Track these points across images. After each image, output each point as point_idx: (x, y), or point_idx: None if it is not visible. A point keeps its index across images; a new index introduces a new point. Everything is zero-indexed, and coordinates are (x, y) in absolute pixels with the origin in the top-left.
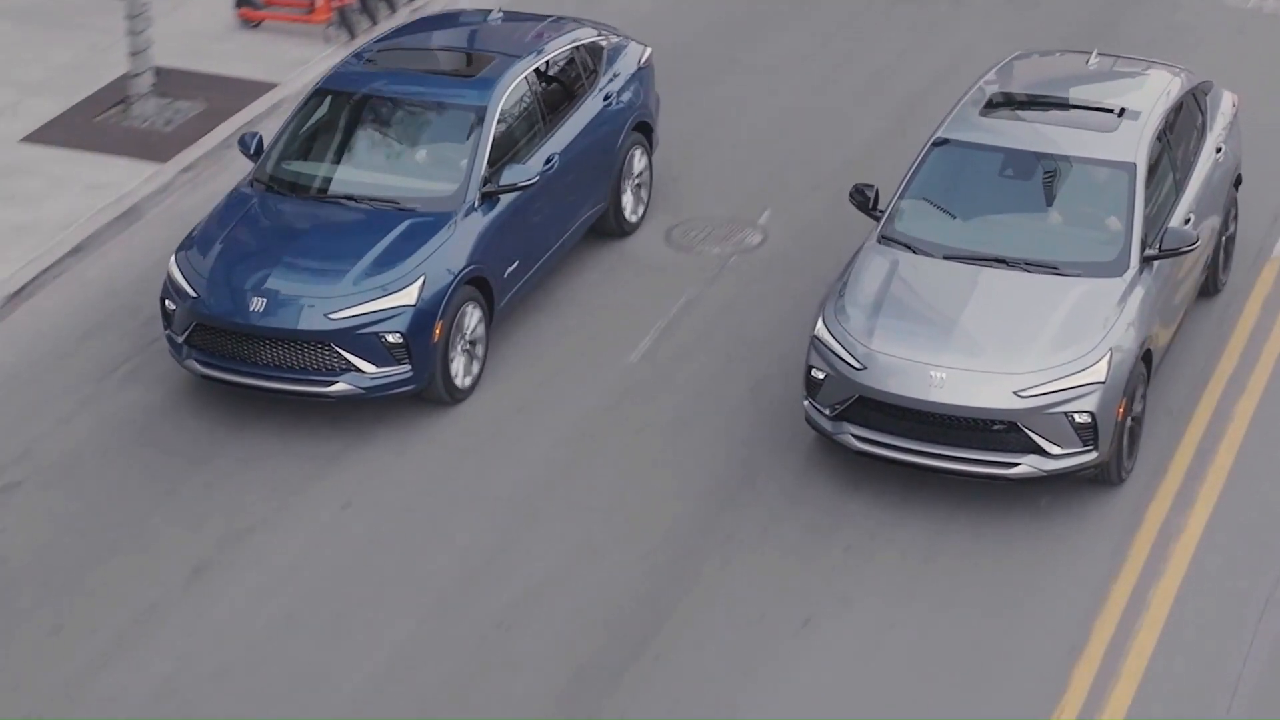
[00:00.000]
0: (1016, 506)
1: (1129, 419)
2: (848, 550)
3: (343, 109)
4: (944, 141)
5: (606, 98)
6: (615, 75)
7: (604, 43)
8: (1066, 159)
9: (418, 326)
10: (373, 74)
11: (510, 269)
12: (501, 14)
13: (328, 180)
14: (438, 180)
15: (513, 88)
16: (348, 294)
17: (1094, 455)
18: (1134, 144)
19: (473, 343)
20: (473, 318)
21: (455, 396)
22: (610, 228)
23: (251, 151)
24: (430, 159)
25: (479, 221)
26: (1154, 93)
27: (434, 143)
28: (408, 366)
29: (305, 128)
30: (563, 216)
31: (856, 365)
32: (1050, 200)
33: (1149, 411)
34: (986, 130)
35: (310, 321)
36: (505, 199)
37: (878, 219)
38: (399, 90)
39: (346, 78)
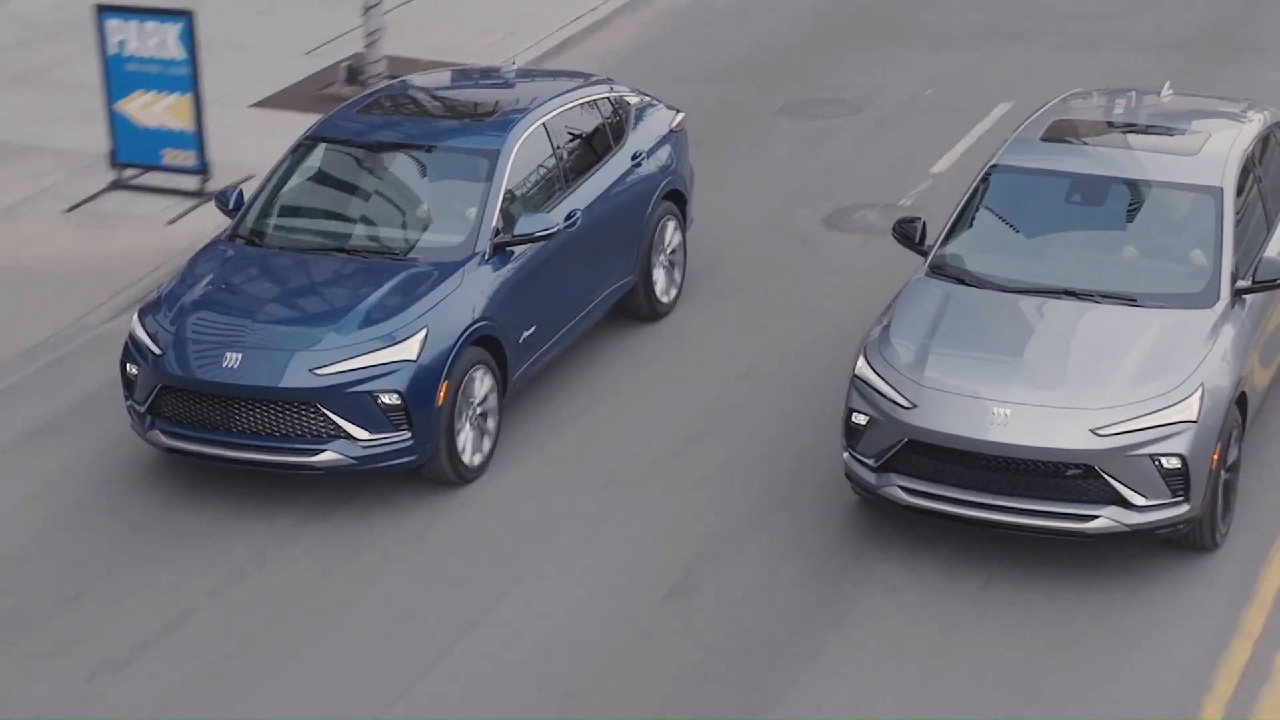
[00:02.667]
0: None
1: (1223, 470)
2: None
3: (337, 157)
4: (1001, 168)
5: (634, 157)
6: (644, 135)
7: (631, 99)
8: (1145, 184)
9: (419, 386)
10: (371, 120)
11: (526, 334)
12: (515, 68)
13: (319, 231)
14: (444, 230)
15: (530, 133)
16: (337, 346)
17: (1185, 509)
18: (1220, 167)
19: (484, 414)
20: (483, 385)
21: (462, 475)
22: (640, 308)
23: (231, 206)
24: (436, 208)
25: (490, 275)
26: (1237, 122)
27: (441, 191)
28: (407, 433)
29: (294, 177)
30: (586, 284)
31: (905, 404)
32: (1126, 229)
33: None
34: (1049, 155)
35: (293, 378)
36: (521, 254)
37: (925, 254)
38: (402, 135)
39: (341, 124)
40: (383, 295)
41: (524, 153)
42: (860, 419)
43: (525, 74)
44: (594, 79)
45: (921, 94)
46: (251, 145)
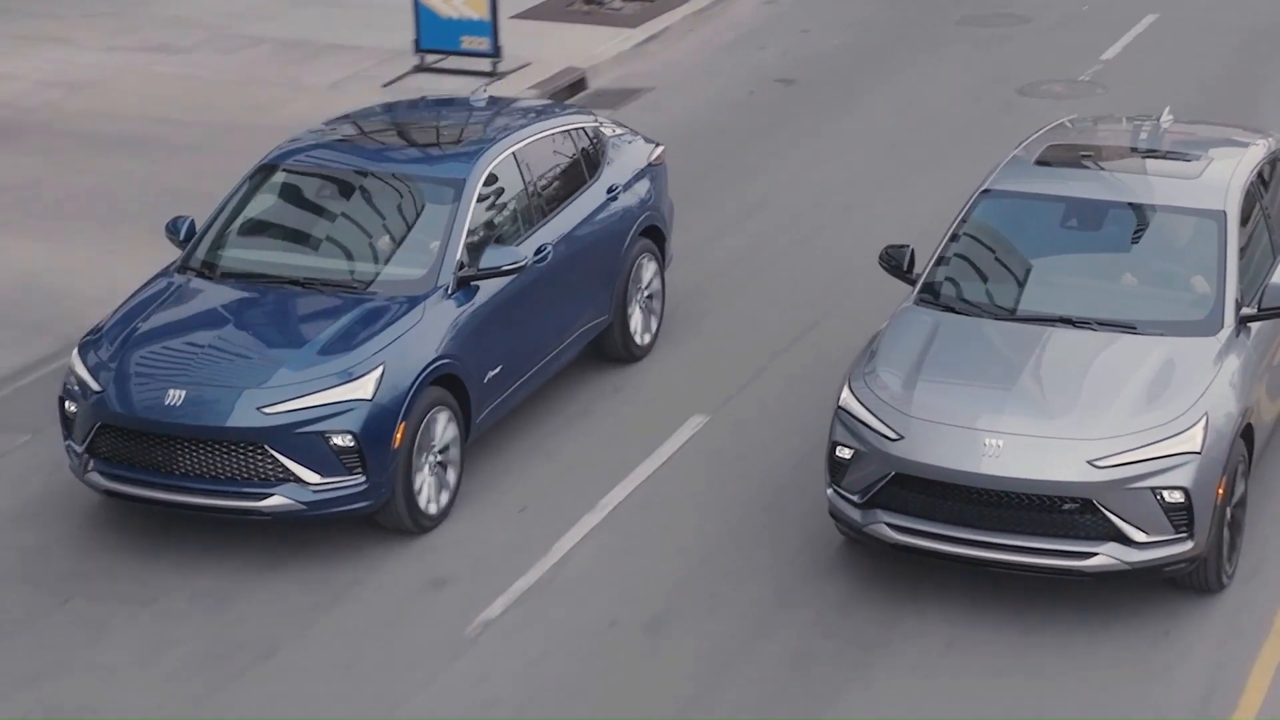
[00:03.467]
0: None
1: (1229, 506)
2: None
3: (296, 185)
4: (993, 192)
5: (610, 190)
6: (620, 168)
7: (607, 130)
8: (1144, 208)
9: (374, 427)
10: (332, 147)
11: (492, 374)
12: (486, 95)
13: (273, 263)
14: (406, 263)
15: (498, 163)
16: (288, 383)
17: (1189, 545)
18: (1222, 191)
19: (444, 461)
20: (444, 427)
21: (420, 523)
22: (616, 349)
23: (181, 237)
24: (398, 239)
25: (453, 311)
26: (1241, 146)
27: (403, 222)
28: (361, 478)
29: (249, 206)
30: (557, 323)
31: (892, 435)
32: (1125, 255)
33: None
34: (1044, 179)
35: (239, 416)
36: (487, 289)
37: (913, 282)
38: (363, 163)
39: (301, 151)
40: (337, 330)
41: (492, 183)
42: (845, 453)
43: (497, 102)
44: (570, 109)
45: (1078, 10)
46: (518, 45)
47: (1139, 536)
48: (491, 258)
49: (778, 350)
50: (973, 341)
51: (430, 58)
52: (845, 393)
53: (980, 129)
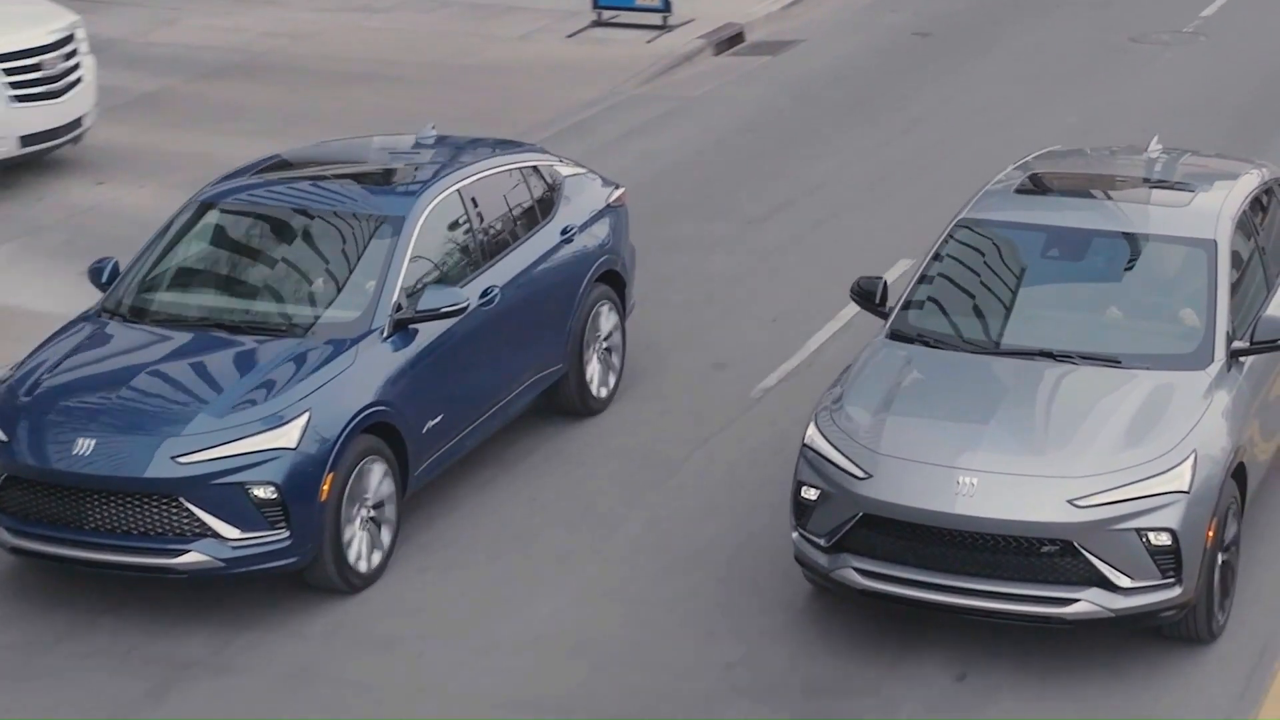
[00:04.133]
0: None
1: (1220, 551)
2: None
3: (227, 223)
4: (970, 221)
5: (564, 232)
6: (575, 209)
7: (563, 170)
8: (1130, 237)
9: (299, 478)
10: (267, 184)
11: (432, 423)
12: (435, 133)
13: (199, 305)
14: (339, 304)
15: (441, 200)
16: (205, 431)
17: (1177, 591)
18: (1213, 219)
19: (377, 516)
20: (378, 479)
21: (350, 581)
22: (571, 401)
23: (104, 280)
24: (332, 280)
25: (389, 355)
26: (1233, 175)
27: (339, 261)
28: (285, 533)
29: (176, 246)
30: (505, 371)
31: (860, 474)
32: (1109, 286)
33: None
34: (1024, 208)
35: (152, 467)
36: (427, 333)
37: (886, 315)
38: (298, 200)
39: (233, 188)
40: (262, 375)
41: (435, 221)
42: (810, 493)
43: (446, 139)
44: (524, 147)
45: None
46: (683, 2)
47: (1123, 582)
48: (430, 299)
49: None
50: (947, 376)
51: (607, 14)
52: (811, 429)
53: (1099, 66)
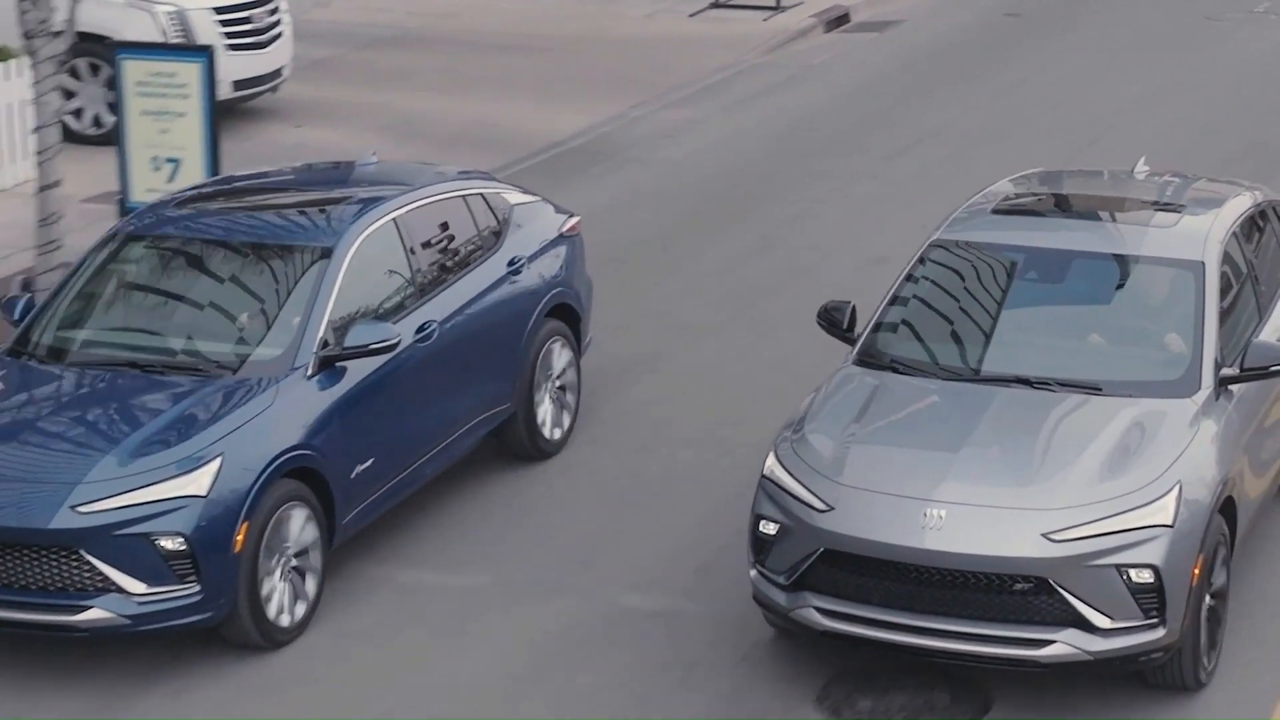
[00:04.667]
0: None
1: (1207, 591)
2: None
3: (147, 257)
4: (944, 242)
5: (511, 264)
6: (525, 239)
7: (510, 197)
8: (1113, 258)
9: (210, 528)
10: (192, 215)
11: (361, 468)
12: (375, 159)
13: (114, 344)
14: (261, 341)
15: (374, 230)
16: (108, 478)
17: (1161, 633)
18: (1201, 240)
19: (301, 566)
20: (300, 527)
21: (270, 637)
22: (521, 444)
23: (16, 316)
24: (255, 315)
25: (314, 395)
26: (1222, 197)
27: (262, 295)
28: (195, 586)
29: (94, 281)
30: (446, 412)
31: (821, 506)
32: (1091, 310)
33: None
34: (1001, 228)
35: (50, 517)
36: (357, 371)
37: (853, 342)
38: (223, 232)
39: (154, 219)
40: (173, 417)
41: (367, 252)
42: (769, 527)
43: (387, 166)
44: (469, 174)
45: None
46: None
47: (1102, 622)
48: (359, 335)
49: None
50: (916, 403)
51: None
52: (770, 459)
53: (1178, 41)
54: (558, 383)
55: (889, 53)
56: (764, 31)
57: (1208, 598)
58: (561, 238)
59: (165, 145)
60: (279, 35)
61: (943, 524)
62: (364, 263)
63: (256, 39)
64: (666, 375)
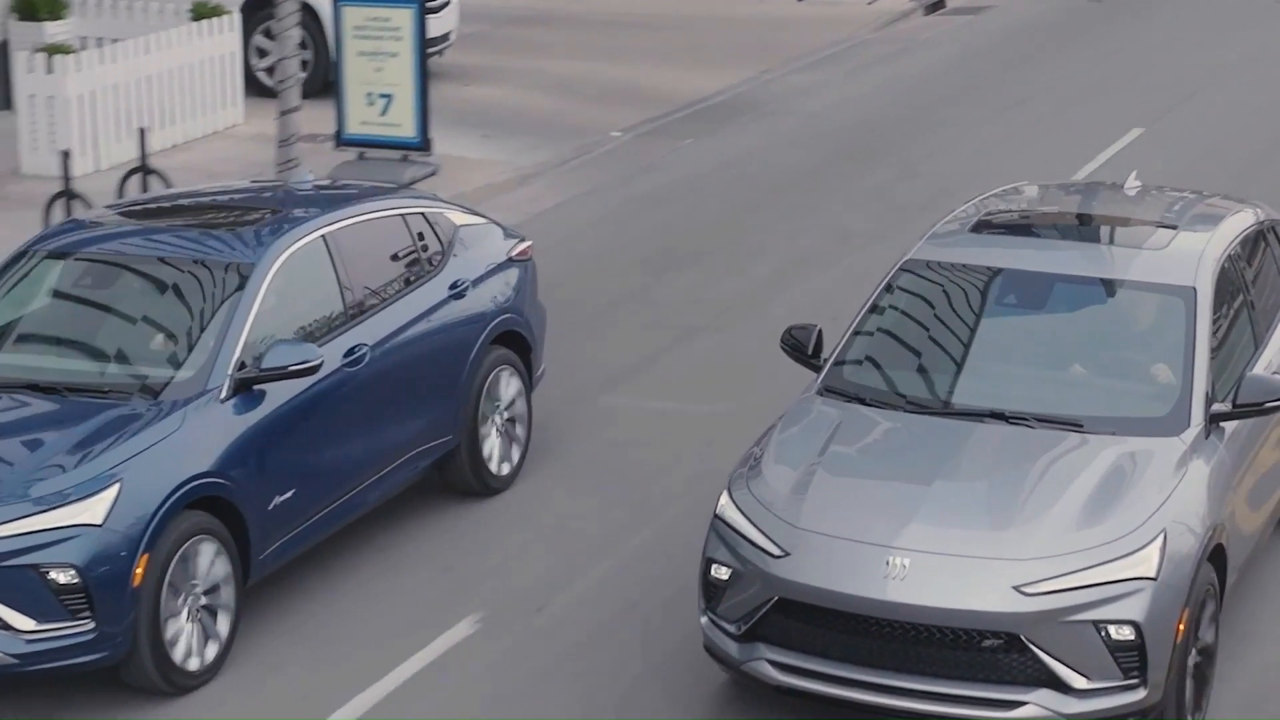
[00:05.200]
0: None
1: (1194, 648)
2: None
3: (60, 274)
4: (916, 263)
5: (454, 287)
6: (469, 262)
7: (455, 218)
8: (1098, 282)
9: (105, 560)
10: (107, 230)
11: (281, 499)
12: (311, 180)
13: (15, 365)
14: (172, 362)
15: (301, 247)
16: None
17: (1141, 695)
18: (1193, 264)
19: (211, 605)
20: (210, 562)
21: (175, 683)
22: (464, 479)
23: None
24: (167, 334)
25: (229, 420)
26: (1218, 215)
27: (176, 314)
28: (88, 623)
29: (2, 299)
30: (378, 442)
31: (775, 551)
32: (1073, 338)
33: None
34: (978, 249)
35: None
36: (278, 396)
37: (818, 368)
38: (139, 248)
39: (65, 235)
40: (69, 442)
41: (293, 270)
42: (721, 572)
43: (327, 185)
44: (413, 193)
45: None
46: None
47: (1078, 682)
48: (277, 356)
49: None
50: (881, 439)
51: None
52: (724, 499)
53: (1250, 22)
54: (506, 415)
55: (987, 31)
56: (868, 14)
57: (1193, 655)
58: (511, 261)
59: (379, 82)
60: (448, 2)
61: (906, 573)
62: (289, 281)
63: (431, 4)
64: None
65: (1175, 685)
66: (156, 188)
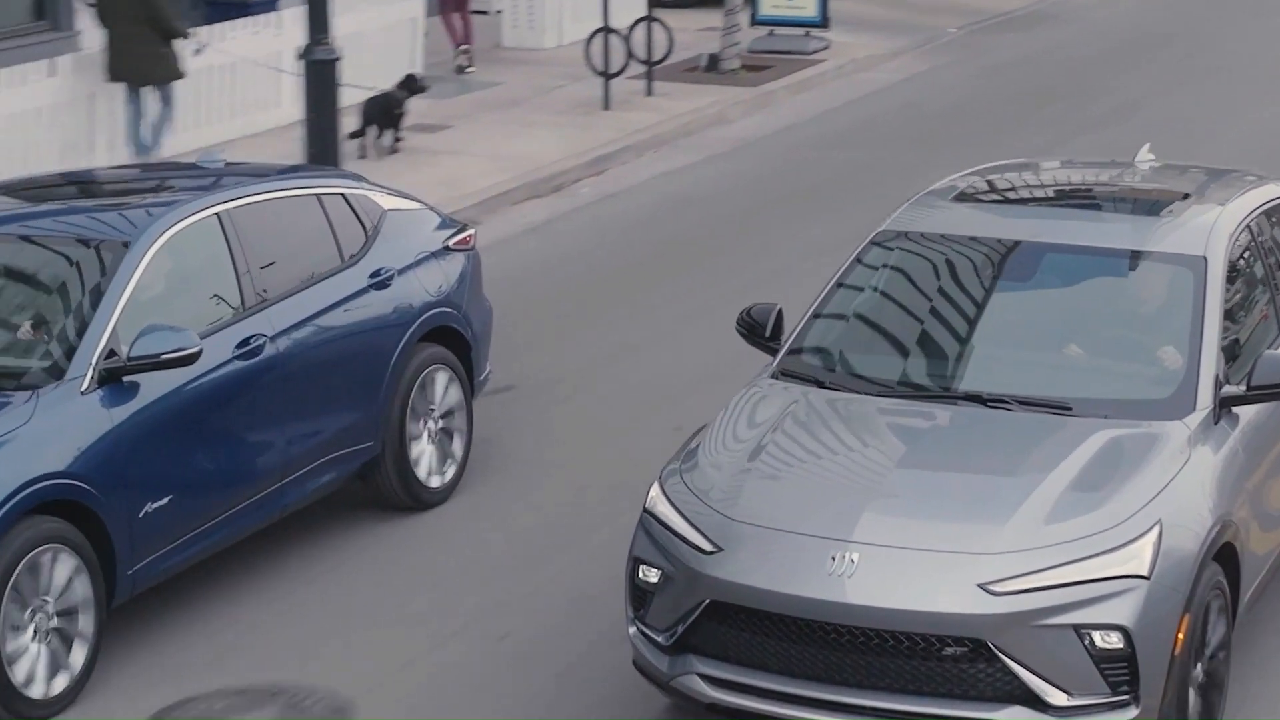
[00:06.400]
0: None
1: (1198, 660)
2: None
3: None
4: (892, 235)
5: (375, 275)
6: (397, 249)
7: (383, 202)
8: (1096, 252)
9: None
10: None
11: (154, 506)
12: (222, 160)
13: None
14: (28, 349)
15: (187, 226)
16: None
17: (1132, 714)
18: (1204, 232)
19: (64, 628)
20: (65, 577)
21: (18, 710)
22: (391, 491)
23: None
24: (34, 320)
25: (92, 414)
26: (1238, 187)
27: (43, 298)
28: None
29: None
30: (281, 445)
31: (707, 548)
32: (1065, 314)
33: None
34: (961, 217)
35: None
36: (153, 389)
37: (775, 351)
38: (7, 227)
39: None
40: None
41: (180, 251)
42: (649, 574)
43: (236, 166)
44: (333, 172)
45: None
46: None
47: (1057, 698)
48: (148, 343)
49: None
50: (837, 425)
51: None
52: (654, 491)
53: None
54: (440, 422)
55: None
56: None
57: (1199, 668)
58: (448, 250)
59: None
60: None
61: (853, 569)
62: (173, 263)
63: None
64: None
65: (1175, 703)
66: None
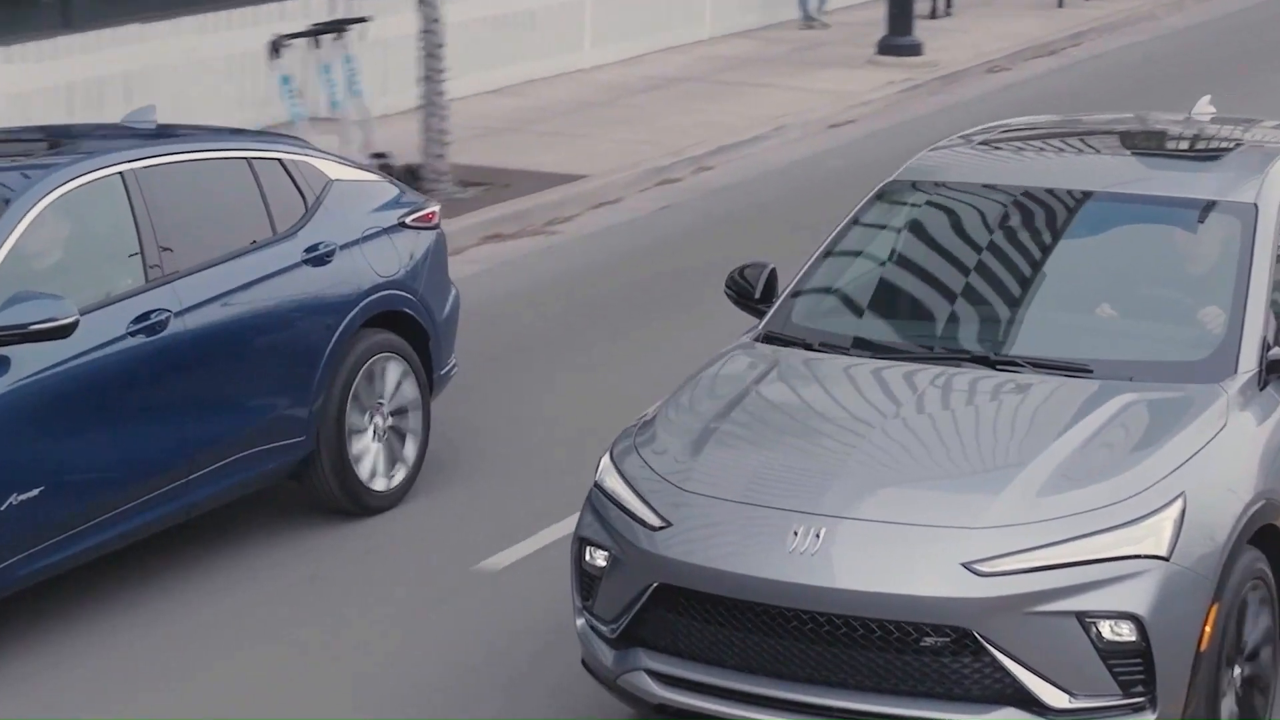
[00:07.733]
0: None
1: (1234, 659)
2: None
3: None
4: (901, 186)
5: (312, 250)
6: (341, 224)
7: (329, 170)
8: (1129, 199)
9: None
10: None
11: (22, 499)
12: (155, 119)
13: None
14: None
15: (82, 185)
16: None
17: (1149, 719)
18: (1257, 178)
19: None
20: None
21: None
22: (329, 493)
23: None
24: None
25: None
26: None
27: None
28: None
29: None
30: (187, 436)
31: (656, 523)
32: (1096, 268)
33: None
34: (981, 164)
35: None
36: (27, 365)
37: (762, 313)
38: None
39: None
40: None
41: (71, 211)
42: (597, 557)
43: (170, 129)
44: (272, 136)
45: None
46: None
47: (1057, 700)
48: (14, 313)
49: None
50: (815, 386)
51: None
52: (604, 462)
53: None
54: (389, 419)
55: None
56: None
57: (1235, 669)
58: (404, 228)
59: None
60: None
61: (817, 547)
62: (63, 225)
63: None
64: None
65: (1203, 707)
66: None
